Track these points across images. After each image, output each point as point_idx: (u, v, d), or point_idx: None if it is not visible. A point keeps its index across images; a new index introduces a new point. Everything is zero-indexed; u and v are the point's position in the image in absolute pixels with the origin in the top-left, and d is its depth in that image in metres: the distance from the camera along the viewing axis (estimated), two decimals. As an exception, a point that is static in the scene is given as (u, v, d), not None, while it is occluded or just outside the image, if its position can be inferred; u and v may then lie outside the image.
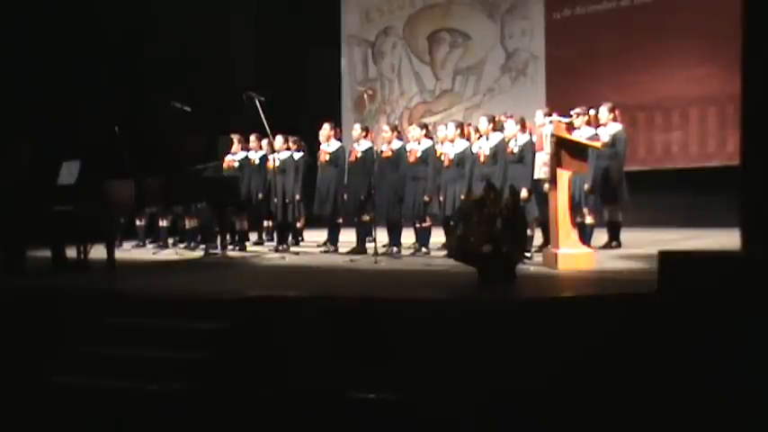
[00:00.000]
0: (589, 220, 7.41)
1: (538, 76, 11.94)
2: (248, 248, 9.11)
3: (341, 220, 8.56)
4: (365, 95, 13.68)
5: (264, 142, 9.10)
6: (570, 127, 6.95)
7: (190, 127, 8.60)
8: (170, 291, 5.89)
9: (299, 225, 9.30)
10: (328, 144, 8.49)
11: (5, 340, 5.26)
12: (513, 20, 12.26)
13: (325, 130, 8.49)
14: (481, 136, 7.75)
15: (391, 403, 4.35)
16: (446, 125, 8.19)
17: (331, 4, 13.80)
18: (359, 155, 8.18)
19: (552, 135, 6.40)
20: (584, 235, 7.02)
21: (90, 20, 11.14)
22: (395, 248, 7.92)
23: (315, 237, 9.49)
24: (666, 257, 3.96)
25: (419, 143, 7.98)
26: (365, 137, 8.28)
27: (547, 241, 7.09)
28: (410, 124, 9.49)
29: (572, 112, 7.25)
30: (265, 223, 9.95)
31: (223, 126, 9.80)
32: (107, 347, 5.03)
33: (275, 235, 9.31)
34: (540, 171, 7.21)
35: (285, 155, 8.89)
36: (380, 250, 7.63)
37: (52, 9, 10.69)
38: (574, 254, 6.07)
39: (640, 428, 3.95)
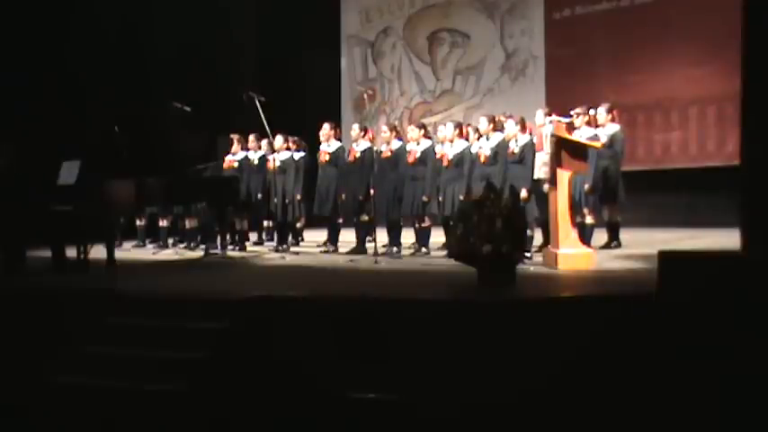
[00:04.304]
0: (589, 220, 7.41)
1: (537, 76, 11.94)
2: (248, 248, 9.11)
3: (341, 220, 8.56)
4: (365, 95, 13.68)
5: (264, 142, 9.10)
6: (570, 127, 6.95)
7: (190, 127, 8.59)
8: (170, 291, 5.89)
9: (298, 225, 9.30)
10: (328, 144, 8.49)
11: (5, 340, 5.26)
12: (513, 20, 12.26)
13: (325, 130, 8.49)
14: (480, 136, 7.76)
15: (391, 403, 4.35)
16: (445, 125, 8.19)
17: (331, 4, 13.81)
18: (357, 155, 8.18)
19: (552, 135, 6.41)
20: (584, 235, 7.02)
21: (90, 19, 11.14)
22: (395, 248, 7.92)
23: (315, 237, 9.49)
24: (666, 257, 3.97)
25: (418, 143, 7.99)
26: (364, 137, 8.28)
27: (547, 241, 7.09)
28: (410, 124, 9.48)
29: (572, 112, 7.25)
30: (265, 223, 9.96)
31: (223, 126, 9.80)
32: (107, 347, 5.04)
33: (275, 235, 9.31)
34: (540, 171, 7.21)
35: (285, 155, 8.88)
36: (380, 250, 7.63)
37: (52, 8, 10.67)
38: (574, 254, 6.08)
39: (640, 428, 3.95)
